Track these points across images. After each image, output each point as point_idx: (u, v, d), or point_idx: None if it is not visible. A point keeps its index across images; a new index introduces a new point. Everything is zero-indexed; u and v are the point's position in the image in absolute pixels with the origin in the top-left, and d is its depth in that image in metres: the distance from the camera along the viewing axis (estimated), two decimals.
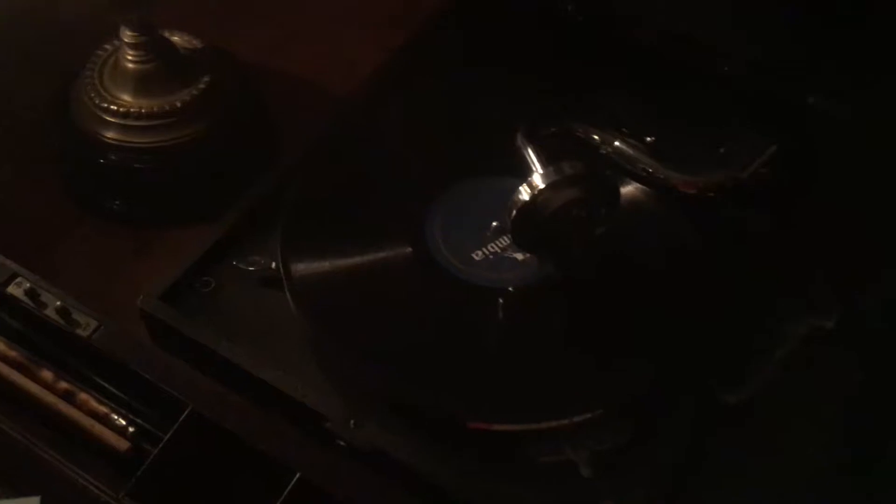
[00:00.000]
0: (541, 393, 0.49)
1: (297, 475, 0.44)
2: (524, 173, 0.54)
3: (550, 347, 0.51)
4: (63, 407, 0.47)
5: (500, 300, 0.52)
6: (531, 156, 0.51)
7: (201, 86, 0.68)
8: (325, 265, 0.54)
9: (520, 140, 0.52)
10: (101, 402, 0.47)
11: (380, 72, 0.65)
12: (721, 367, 0.51)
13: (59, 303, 0.49)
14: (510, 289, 0.52)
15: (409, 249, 0.54)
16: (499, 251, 0.54)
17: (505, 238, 0.54)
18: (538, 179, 0.48)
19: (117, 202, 0.69)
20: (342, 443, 0.48)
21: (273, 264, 0.54)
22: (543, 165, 0.50)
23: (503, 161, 0.58)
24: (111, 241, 0.69)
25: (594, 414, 0.48)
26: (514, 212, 0.48)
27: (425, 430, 0.48)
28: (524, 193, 0.48)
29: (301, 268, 0.53)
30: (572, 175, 0.47)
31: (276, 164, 0.62)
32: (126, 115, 0.66)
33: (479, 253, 0.54)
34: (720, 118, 0.58)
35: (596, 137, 0.54)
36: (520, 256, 0.54)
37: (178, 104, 0.67)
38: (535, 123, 0.54)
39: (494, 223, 0.55)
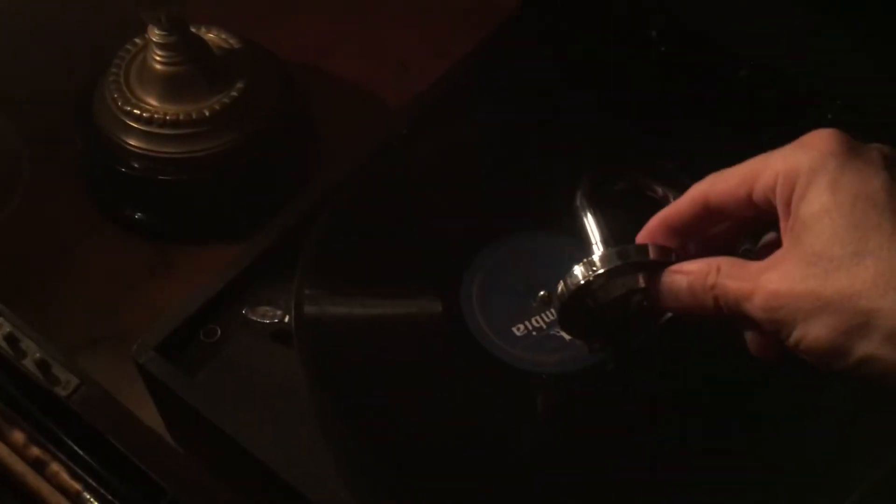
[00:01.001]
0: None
1: None
2: (583, 238, 0.46)
3: (588, 450, 0.43)
4: (31, 478, 0.41)
5: (538, 389, 0.45)
6: (590, 224, 0.43)
7: (235, 92, 0.61)
8: (341, 323, 0.47)
9: (579, 201, 0.44)
10: (73, 477, 0.41)
11: (430, 94, 0.57)
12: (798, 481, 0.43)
13: (38, 354, 0.43)
14: (543, 376, 0.45)
15: (440, 309, 0.47)
16: (544, 326, 0.46)
17: (553, 312, 0.46)
18: (598, 261, 0.40)
19: (138, 213, 0.64)
20: None
21: (286, 317, 0.48)
22: (605, 240, 0.42)
23: (566, 213, 0.50)
24: (129, 255, 0.64)
25: None
26: (565, 293, 0.41)
27: None
28: (579, 275, 0.40)
29: (313, 323, 0.46)
30: (638, 262, 0.39)
31: (313, 185, 0.55)
32: (150, 122, 0.60)
33: (522, 327, 0.46)
34: None
35: (671, 198, 0.45)
36: (568, 339, 0.46)
37: (208, 112, 0.60)
38: (598, 179, 0.46)
39: (542, 292, 0.47)
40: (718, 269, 0.36)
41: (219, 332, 0.49)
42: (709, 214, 0.38)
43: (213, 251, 0.62)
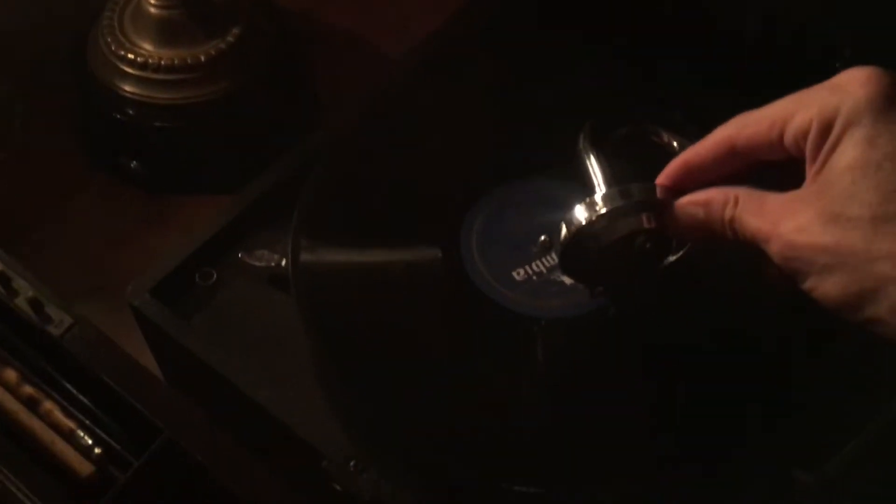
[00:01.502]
0: (576, 454, 0.41)
1: None
2: (586, 182, 0.46)
3: (593, 398, 0.43)
4: (24, 416, 0.41)
5: (539, 334, 0.44)
6: (593, 166, 0.42)
7: (231, 38, 0.60)
8: (337, 266, 0.46)
9: (582, 144, 0.43)
10: (67, 415, 0.41)
11: (431, 42, 0.56)
12: (799, 438, 0.42)
13: (31, 293, 0.43)
14: (543, 321, 0.44)
15: (439, 255, 0.46)
16: (545, 271, 0.46)
17: (554, 256, 0.46)
18: (600, 201, 0.39)
19: (133, 162, 0.63)
20: (338, 487, 0.41)
21: (283, 261, 0.47)
22: (608, 182, 0.41)
23: (567, 160, 0.49)
24: (123, 204, 0.63)
25: (640, 482, 0.40)
26: (567, 235, 0.40)
27: (438, 484, 0.41)
28: (581, 215, 0.39)
29: (309, 267, 0.46)
30: (642, 202, 0.39)
31: (314, 133, 0.54)
32: (145, 67, 0.59)
33: (522, 272, 0.46)
34: None
35: (675, 144, 0.44)
36: (568, 280, 0.45)
37: (203, 57, 0.59)
38: (601, 123, 0.45)
39: (543, 237, 0.46)
40: (736, 201, 0.36)
41: (215, 275, 0.48)
42: (733, 157, 0.37)
43: (208, 202, 0.62)
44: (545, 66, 0.55)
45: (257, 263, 0.48)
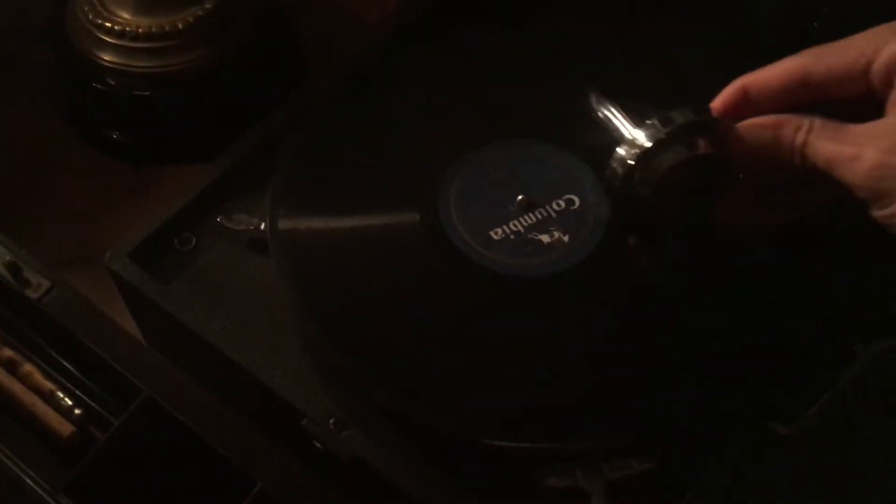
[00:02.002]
0: (556, 408, 0.42)
1: (259, 486, 0.38)
2: (564, 138, 0.46)
3: (572, 354, 0.43)
4: (4, 379, 0.41)
5: (519, 292, 0.44)
6: (616, 115, 0.40)
7: (209, 4, 0.60)
8: (316, 229, 0.47)
9: (595, 100, 0.42)
10: (47, 377, 0.41)
11: (408, 7, 0.56)
12: (775, 390, 0.43)
13: (9, 257, 0.43)
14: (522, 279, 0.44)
15: (417, 218, 0.46)
16: (522, 231, 0.46)
17: (531, 216, 0.46)
18: (641, 136, 0.37)
19: (115, 133, 0.63)
20: (318, 445, 0.41)
21: (262, 225, 0.47)
22: (636, 121, 0.39)
23: (543, 122, 0.49)
24: (106, 175, 0.63)
25: (620, 439, 0.41)
26: (618, 178, 0.38)
27: (416, 440, 0.41)
28: (626, 155, 0.37)
29: (288, 231, 0.46)
30: (697, 123, 0.36)
31: (291, 98, 0.53)
32: (123, 35, 0.59)
33: (500, 231, 0.46)
34: None
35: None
36: (546, 239, 0.45)
37: (182, 25, 0.59)
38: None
39: (520, 196, 0.46)
40: (811, 127, 0.35)
41: (194, 240, 0.48)
42: (803, 88, 0.36)
43: (191, 171, 0.61)
44: (522, 27, 0.55)
45: (236, 227, 0.48)
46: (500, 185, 0.47)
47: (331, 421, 0.42)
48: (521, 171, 0.47)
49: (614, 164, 0.37)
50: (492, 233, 0.46)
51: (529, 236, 0.46)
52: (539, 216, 0.46)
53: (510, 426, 0.41)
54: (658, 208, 0.39)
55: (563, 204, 0.46)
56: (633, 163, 0.36)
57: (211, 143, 0.61)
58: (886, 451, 0.43)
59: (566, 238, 0.45)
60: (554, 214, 0.46)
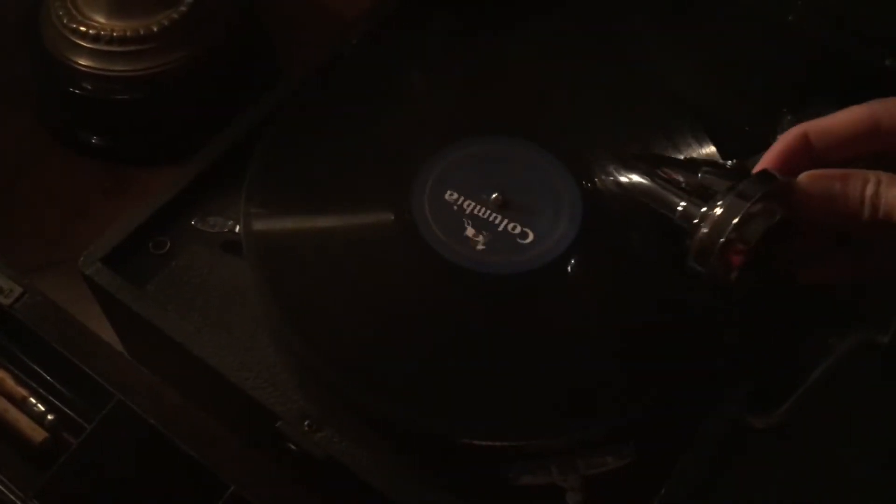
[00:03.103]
0: (529, 405, 0.42)
1: (231, 489, 0.38)
2: (539, 135, 0.46)
3: (544, 350, 0.43)
4: None
5: (492, 290, 0.44)
6: (662, 192, 0.40)
7: (184, 7, 0.60)
8: (290, 231, 0.46)
9: (615, 166, 0.42)
10: (19, 383, 0.41)
11: (381, 6, 0.56)
12: (750, 384, 0.43)
13: None
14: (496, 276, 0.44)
15: (392, 217, 0.46)
16: (497, 229, 0.46)
17: (506, 213, 0.46)
18: (724, 210, 0.36)
19: (93, 137, 0.62)
20: (293, 446, 0.41)
21: (237, 227, 0.47)
22: (690, 189, 0.39)
23: (518, 120, 0.49)
24: (81, 178, 0.62)
25: (592, 434, 0.41)
26: (710, 255, 0.37)
27: (390, 440, 0.41)
28: (712, 231, 0.36)
29: (262, 233, 0.46)
30: (766, 194, 0.36)
31: (263, 99, 0.53)
32: (98, 39, 0.59)
33: (474, 229, 0.46)
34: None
35: (679, 178, 0.43)
36: (521, 237, 0.45)
37: (156, 28, 0.59)
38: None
39: (495, 195, 0.46)
40: (879, 179, 0.35)
41: (168, 243, 0.48)
42: (871, 137, 0.36)
43: (167, 172, 0.61)
44: (497, 25, 0.55)
45: (210, 230, 0.48)
46: (474, 182, 0.47)
47: (305, 423, 0.41)
48: (496, 169, 0.47)
49: (701, 241, 0.37)
50: (466, 231, 0.46)
51: (504, 234, 0.46)
52: (514, 214, 0.46)
53: (485, 424, 0.41)
54: (741, 279, 0.38)
55: (538, 201, 0.46)
56: (724, 240, 0.36)
57: (186, 145, 0.61)
58: (860, 443, 0.43)
59: (540, 235, 0.45)
60: (528, 212, 0.46)
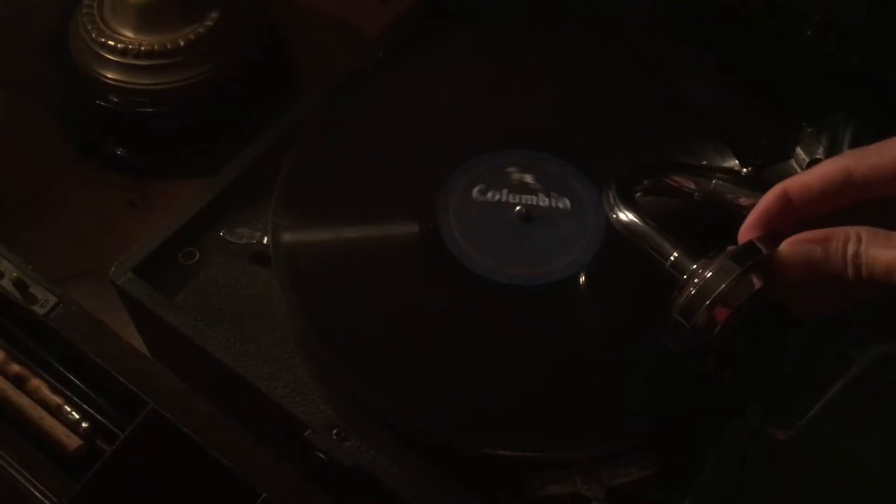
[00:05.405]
0: (555, 415, 0.42)
1: (263, 496, 0.38)
2: (563, 149, 0.47)
3: (570, 361, 0.44)
4: (12, 393, 0.42)
5: (518, 302, 0.45)
6: (644, 227, 0.41)
7: (209, 22, 0.61)
8: (317, 242, 0.47)
9: (612, 200, 0.43)
10: (54, 392, 0.42)
11: (406, 20, 0.57)
12: (771, 395, 0.43)
13: (16, 273, 0.43)
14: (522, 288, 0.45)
15: (417, 229, 0.47)
16: (523, 241, 0.46)
17: (530, 226, 0.47)
18: (713, 276, 0.37)
19: (119, 149, 0.63)
20: (321, 455, 0.42)
21: (265, 238, 0.48)
22: (675, 245, 0.40)
23: (542, 133, 0.50)
24: (108, 190, 0.63)
25: (617, 444, 0.41)
26: (679, 330, 0.38)
27: (417, 449, 0.42)
28: (697, 295, 0.37)
29: (289, 244, 0.47)
30: (750, 266, 0.36)
31: (290, 111, 0.54)
32: (125, 53, 0.60)
33: (499, 241, 0.46)
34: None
35: (692, 185, 0.45)
36: (547, 251, 0.46)
37: (183, 42, 0.60)
38: (627, 177, 0.44)
39: (518, 207, 0.47)
40: (859, 238, 0.35)
41: (197, 254, 0.49)
42: (844, 190, 0.36)
43: (192, 185, 0.62)
44: (521, 36, 0.56)
45: (239, 241, 0.48)
46: (499, 195, 0.48)
47: (334, 432, 0.42)
48: (520, 181, 0.48)
49: (683, 310, 0.38)
50: (492, 242, 0.46)
51: (530, 245, 0.46)
52: (538, 225, 0.47)
53: (512, 435, 0.42)
54: (720, 342, 0.39)
55: (562, 213, 0.47)
56: (709, 303, 0.37)
57: (211, 158, 0.62)
58: (882, 455, 0.44)
59: (566, 246, 0.46)
60: (553, 224, 0.47)
